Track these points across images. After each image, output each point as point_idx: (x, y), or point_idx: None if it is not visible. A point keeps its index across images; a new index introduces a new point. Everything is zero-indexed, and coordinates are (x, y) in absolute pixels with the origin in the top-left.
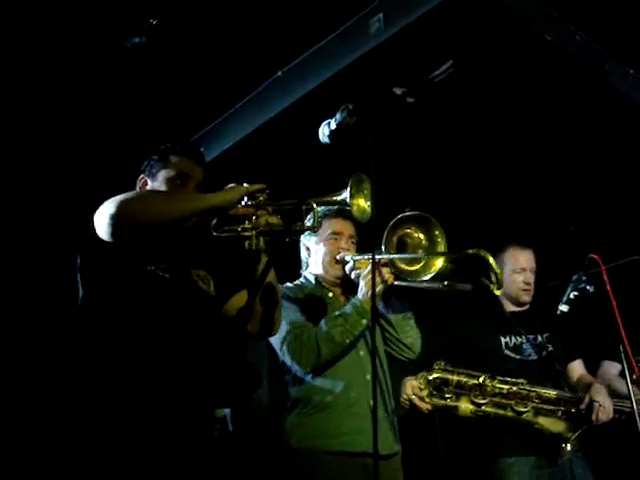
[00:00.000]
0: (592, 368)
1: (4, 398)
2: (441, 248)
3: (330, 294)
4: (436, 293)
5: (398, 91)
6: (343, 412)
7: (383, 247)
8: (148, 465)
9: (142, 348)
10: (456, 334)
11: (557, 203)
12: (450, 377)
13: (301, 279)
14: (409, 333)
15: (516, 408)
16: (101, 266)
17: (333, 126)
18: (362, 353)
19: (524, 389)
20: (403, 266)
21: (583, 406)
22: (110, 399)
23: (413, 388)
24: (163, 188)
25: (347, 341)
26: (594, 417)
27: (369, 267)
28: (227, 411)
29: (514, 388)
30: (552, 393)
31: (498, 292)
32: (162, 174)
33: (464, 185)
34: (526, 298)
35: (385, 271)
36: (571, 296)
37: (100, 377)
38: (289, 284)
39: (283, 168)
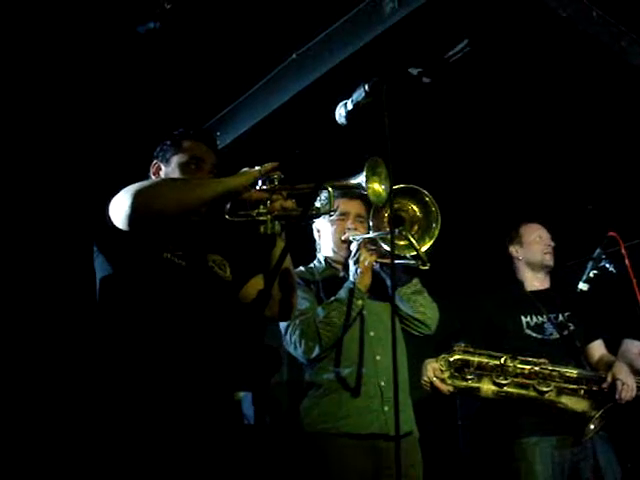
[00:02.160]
0: (612, 347)
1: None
2: (435, 217)
3: (340, 274)
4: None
5: (414, 71)
6: (353, 394)
7: (371, 223)
8: (169, 449)
9: (161, 336)
10: (476, 315)
11: (575, 181)
12: (471, 358)
13: (314, 262)
14: (421, 308)
15: (538, 388)
16: (117, 255)
17: (350, 107)
18: (372, 333)
19: (546, 369)
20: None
21: (606, 385)
22: (130, 386)
23: (434, 370)
24: (177, 173)
25: (346, 323)
26: (617, 395)
27: (354, 248)
28: (242, 395)
29: (536, 368)
30: (574, 372)
31: (424, 267)
32: (175, 159)
33: (481, 165)
34: (550, 262)
35: (366, 250)
36: (590, 275)
37: (120, 365)
38: (301, 268)
39: (299, 151)
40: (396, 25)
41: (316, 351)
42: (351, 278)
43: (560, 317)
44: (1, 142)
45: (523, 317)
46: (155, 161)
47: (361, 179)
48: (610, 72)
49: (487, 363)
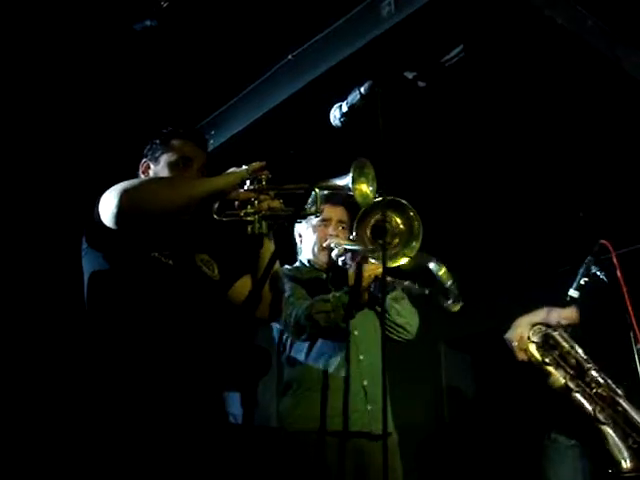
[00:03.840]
0: (603, 353)
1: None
2: (417, 231)
3: (324, 275)
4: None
5: (409, 75)
6: (335, 393)
7: (355, 234)
8: (158, 450)
9: (148, 335)
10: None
11: (567, 189)
12: (563, 343)
13: (297, 263)
14: (401, 313)
15: (598, 415)
16: (105, 254)
17: (345, 109)
18: (356, 333)
19: (617, 400)
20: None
21: None
22: (118, 385)
23: (521, 338)
24: (166, 172)
25: (331, 326)
26: None
27: (354, 264)
28: (226, 394)
29: (609, 393)
30: (639, 420)
31: (456, 309)
32: (164, 158)
33: (474, 170)
34: None
35: (367, 267)
36: (581, 282)
37: (108, 364)
38: (287, 266)
39: (293, 153)
40: (393, 29)
41: (301, 338)
42: (344, 292)
43: None
44: None
45: None
46: (144, 160)
47: (348, 180)
48: (605, 80)
49: (572, 358)
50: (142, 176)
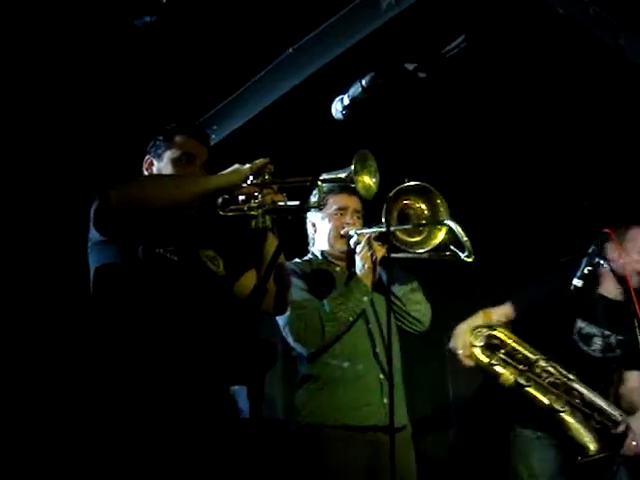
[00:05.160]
0: None
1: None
2: (443, 217)
3: (337, 268)
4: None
5: (410, 66)
6: (352, 386)
7: (383, 219)
8: (163, 444)
9: (154, 331)
10: (560, 297)
11: (570, 178)
12: (507, 341)
13: (309, 255)
14: (416, 306)
15: (554, 405)
16: (110, 252)
17: (346, 102)
18: (371, 327)
19: (572, 385)
20: (404, 237)
21: (617, 431)
22: (124, 381)
23: (464, 344)
24: (169, 169)
25: (350, 319)
26: (623, 449)
27: (362, 243)
28: (236, 388)
29: (562, 379)
30: (596, 400)
31: (469, 260)
32: (167, 154)
33: (476, 160)
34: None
35: (376, 245)
36: (585, 271)
37: (113, 360)
38: (297, 260)
39: (295, 146)
40: (393, 20)
41: (318, 344)
42: (357, 272)
43: (612, 338)
44: None
45: (579, 321)
46: (148, 156)
47: (350, 172)
48: (608, 69)
49: (519, 353)
50: (145, 173)
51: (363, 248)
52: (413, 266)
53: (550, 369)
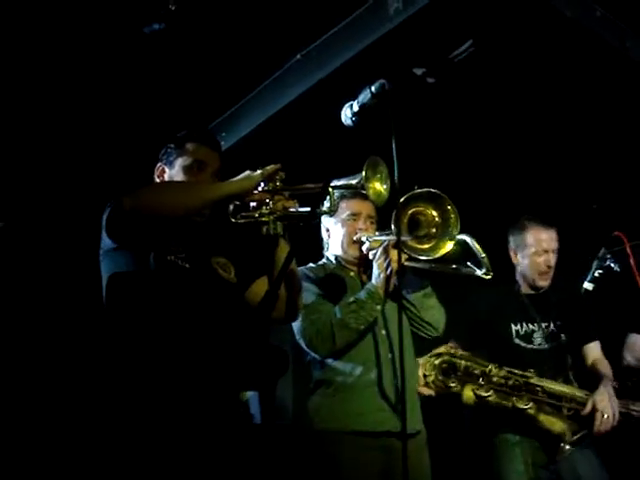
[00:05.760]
0: (618, 347)
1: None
2: (454, 224)
3: (351, 273)
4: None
5: (418, 71)
6: (365, 392)
7: (393, 226)
8: (175, 450)
9: (165, 338)
10: (473, 316)
11: (580, 181)
12: (458, 362)
13: (323, 260)
14: (431, 311)
15: (517, 404)
16: (121, 259)
17: (355, 108)
18: (384, 332)
19: (531, 382)
20: (414, 245)
21: (584, 412)
22: (137, 388)
23: (419, 376)
24: (180, 176)
25: (362, 327)
26: (595, 429)
27: (379, 250)
28: (250, 394)
29: (521, 380)
30: (559, 389)
31: (488, 277)
32: (179, 162)
33: (486, 163)
34: (543, 283)
35: (393, 253)
36: (595, 274)
37: (126, 367)
38: (311, 264)
39: (304, 152)
40: (400, 25)
41: (329, 351)
42: (373, 281)
43: (552, 326)
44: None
45: (513, 325)
46: (159, 164)
47: (361, 179)
48: (615, 72)
49: (473, 370)
50: (157, 180)
51: (380, 256)
52: (425, 270)
53: (506, 374)
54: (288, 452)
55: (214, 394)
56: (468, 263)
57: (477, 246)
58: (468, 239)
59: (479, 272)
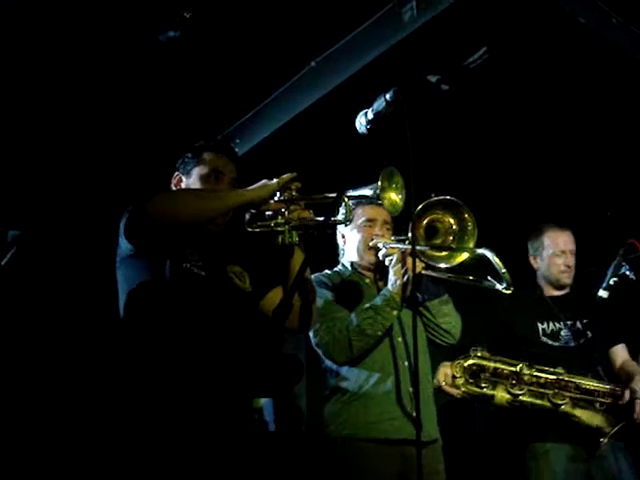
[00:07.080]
0: (633, 355)
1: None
2: (471, 231)
3: (367, 280)
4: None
5: (432, 79)
6: (381, 399)
7: (410, 234)
8: (188, 457)
9: (180, 346)
10: (494, 320)
11: (594, 188)
12: (487, 364)
13: (339, 266)
14: (447, 318)
15: (553, 400)
16: (138, 266)
17: (370, 116)
18: (400, 339)
19: (562, 379)
20: (431, 252)
21: (623, 401)
22: (152, 394)
23: (445, 376)
24: (197, 185)
25: (379, 333)
26: (635, 415)
27: (395, 258)
28: (263, 401)
29: (552, 377)
30: (591, 384)
31: (508, 292)
32: (196, 171)
33: (501, 170)
34: (567, 281)
35: (410, 261)
36: (611, 282)
37: (141, 374)
38: (327, 271)
39: (319, 160)
40: (415, 33)
41: (346, 358)
42: (389, 287)
43: (578, 324)
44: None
45: (539, 324)
46: (176, 173)
47: (376, 189)
48: (633, 79)
49: (503, 370)
50: (174, 189)
51: (397, 263)
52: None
53: (537, 373)
54: (302, 459)
55: (228, 401)
56: (488, 277)
57: (497, 261)
58: (489, 254)
59: (499, 286)
